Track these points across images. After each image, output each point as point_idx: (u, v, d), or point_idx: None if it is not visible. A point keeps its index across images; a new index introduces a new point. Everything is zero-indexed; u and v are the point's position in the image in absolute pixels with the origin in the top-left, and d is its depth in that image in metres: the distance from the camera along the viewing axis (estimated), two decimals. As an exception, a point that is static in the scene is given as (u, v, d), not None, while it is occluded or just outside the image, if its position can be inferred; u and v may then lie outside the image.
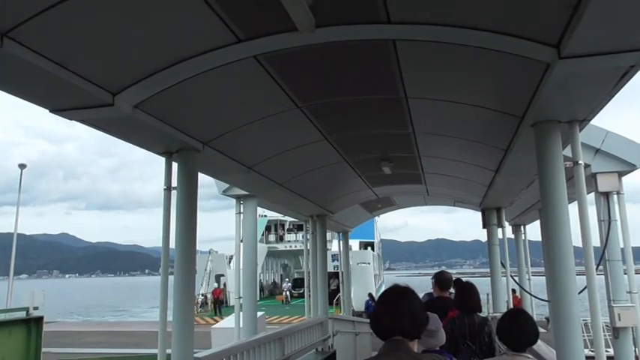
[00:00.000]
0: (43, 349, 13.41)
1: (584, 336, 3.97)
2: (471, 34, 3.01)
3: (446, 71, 3.77)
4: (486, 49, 3.09)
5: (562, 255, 3.69)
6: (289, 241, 51.37)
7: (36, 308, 13.72)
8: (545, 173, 3.81)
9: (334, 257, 21.35)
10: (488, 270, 9.73)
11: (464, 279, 6.04)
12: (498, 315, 8.39)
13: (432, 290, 6.36)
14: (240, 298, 7.74)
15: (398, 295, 2.29)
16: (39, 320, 13.17)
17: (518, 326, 3.25)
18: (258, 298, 8.83)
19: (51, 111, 3.48)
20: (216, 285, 40.23)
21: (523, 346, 3.24)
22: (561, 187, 3.73)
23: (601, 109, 3.60)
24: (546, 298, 9.21)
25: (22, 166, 25.56)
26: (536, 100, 3.49)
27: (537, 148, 3.88)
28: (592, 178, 6.88)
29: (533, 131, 3.92)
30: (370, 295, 28.53)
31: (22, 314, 13.22)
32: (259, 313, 9.50)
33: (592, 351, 4.65)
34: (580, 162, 3.82)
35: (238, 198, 7.86)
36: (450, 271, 7.78)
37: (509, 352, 3.26)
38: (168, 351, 4.19)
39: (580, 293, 3.84)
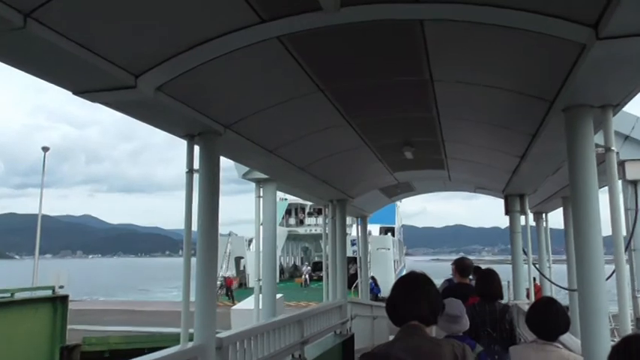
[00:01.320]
0: (68, 327, 13.85)
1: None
2: (502, 13, 2.88)
3: (474, 53, 3.65)
4: (518, 30, 2.97)
5: (591, 244, 3.57)
6: (309, 225, 51.49)
7: (61, 287, 14.16)
8: (575, 160, 3.68)
9: (354, 242, 21.38)
10: (506, 257, 9.60)
11: (483, 267, 5.98)
12: (519, 302, 8.33)
13: (451, 276, 6.32)
14: (259, 280, 7.80)
15: (414, 281, 2.37)
16: (64, 299, 13.59)
17: (549, 315, 3.19)
18: (277, 281, 8.90)
19: (74, 93, 3.47)
20: (229, 273, 40.42)
21: (554, 336, 3.20)
22: (592, 174, 3.61)
23: (637, 93, 3.45)
24: (567, 287, 9.09)
25: (45, 149, 26.11)
26: (569, 84, 3.36)
27: (568, 134, 3.75)
28: (620, 166, 6.69)
29: (563, 116, 3.78)
30: (372, 277, 29.66)
31: (48, 292, 13.65)
32: (278, 295, 9.57)
33: (614, 340, 4.55)
34: (612, 148, 3.68)
35: (258, 182, 7.88)
36: (468, 257, 7.70)
37: (538, 340, 3.21)
38: (191, 330, 4.26)
39: (608, 279, 3.74)
